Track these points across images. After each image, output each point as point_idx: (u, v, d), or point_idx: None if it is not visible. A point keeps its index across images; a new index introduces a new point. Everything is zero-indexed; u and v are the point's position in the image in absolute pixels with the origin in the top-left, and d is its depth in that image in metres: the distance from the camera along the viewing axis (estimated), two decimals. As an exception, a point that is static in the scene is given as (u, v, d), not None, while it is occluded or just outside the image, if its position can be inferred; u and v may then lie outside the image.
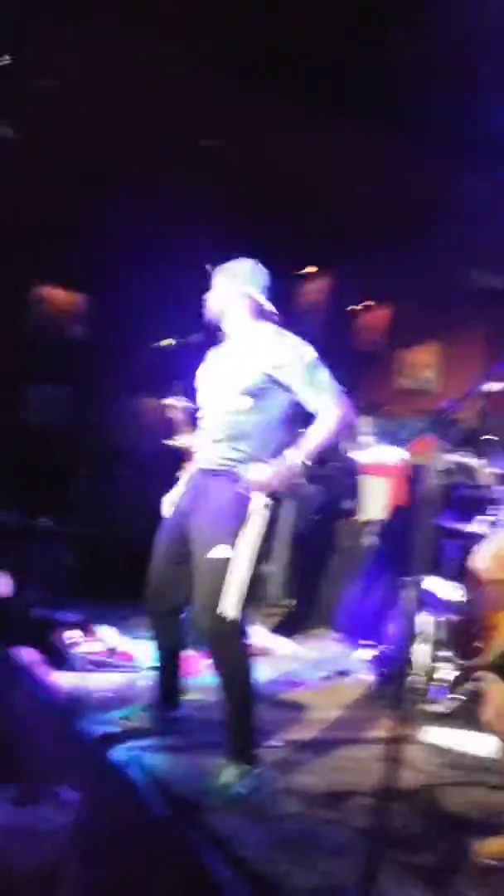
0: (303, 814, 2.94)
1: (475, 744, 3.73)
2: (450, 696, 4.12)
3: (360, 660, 4.90)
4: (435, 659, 4.24)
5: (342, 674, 4.84)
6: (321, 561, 5.90)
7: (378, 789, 2.37)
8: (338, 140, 6.09)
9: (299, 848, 2.67)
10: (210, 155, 6.23)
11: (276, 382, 3.15)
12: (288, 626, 5.62)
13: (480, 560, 2.68)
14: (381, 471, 5.60)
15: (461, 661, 4.08)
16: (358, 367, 7.98)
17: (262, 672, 4.52)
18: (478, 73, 5.19)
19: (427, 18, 4.69)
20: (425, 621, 4.32)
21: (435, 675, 4.22)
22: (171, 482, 3.49)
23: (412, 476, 5.32)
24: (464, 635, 3.81)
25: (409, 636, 4.41)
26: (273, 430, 3.22)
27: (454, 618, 4.28)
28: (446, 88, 5.32)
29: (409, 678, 4.30)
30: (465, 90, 5.37)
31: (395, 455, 5.69)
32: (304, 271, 8.93)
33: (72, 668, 4.01)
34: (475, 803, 3.20)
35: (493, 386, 4.95)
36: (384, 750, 2.27)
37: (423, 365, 7.36)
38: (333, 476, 6.41)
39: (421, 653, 4.31)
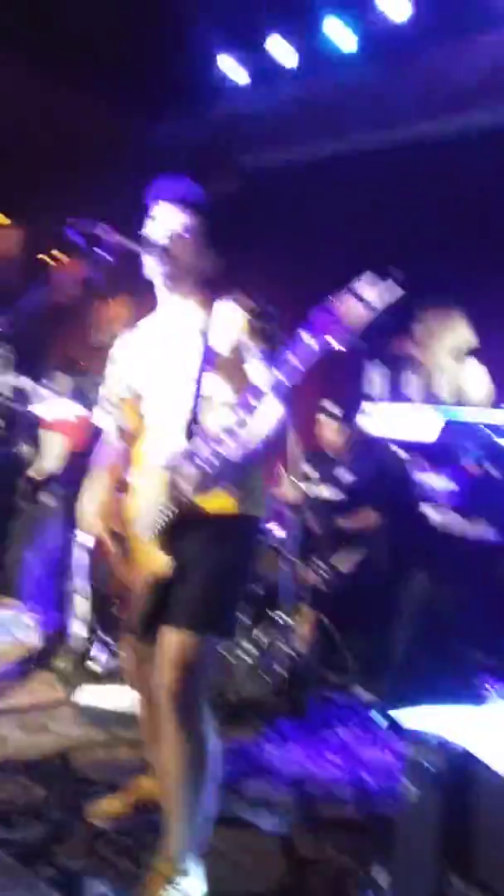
0: None
1: (119, 699, 3.64)
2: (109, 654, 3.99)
3: (27, 624, 4.65)
4: (94, 617, 4.10)
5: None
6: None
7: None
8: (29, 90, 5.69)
9: None
10: None
11: None
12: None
13: (83, 521, 2.50)
14: (60, 427, 5.34)
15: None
16: (53, 322, 7.63)
17: None
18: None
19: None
20: (84, 580, 4.16)
21: (94, 635, 4.08)
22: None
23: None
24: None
25: (70, 595, 4.28)
26: None
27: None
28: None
29: (72, 639, 4.17)
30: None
31: (72, 410, 5.45)
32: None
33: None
34: (105, 763, 3.12)
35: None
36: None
37: (115, 319, 7.15)
38: (11, 431, 6.05)
39: (81, 611, 4.16)
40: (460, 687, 2.51)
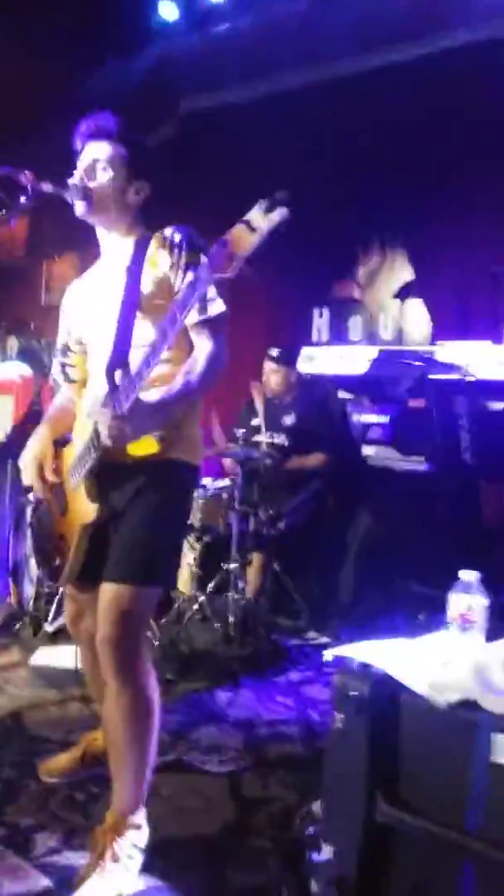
0: None
1: (72, 657, 3.63)
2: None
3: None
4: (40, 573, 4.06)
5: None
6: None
7: None
8: None
9: None
10: None
11: None
12: None
13: (24, 474, 2.45)
14: (5, 388, 5.25)
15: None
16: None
17: None
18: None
19: None
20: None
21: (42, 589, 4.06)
22: None
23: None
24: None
25: (27, 559, 4.24)
26: None
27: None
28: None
29: (30, 603, 4.14)
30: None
31: (17, 371, 5.36)
32: None
33: None
34: (57, 721, 3.10)
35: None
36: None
37: (66, 278, 7.01)
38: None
39: (34, 571, 4.13)
40: (405, 622, 2.51)
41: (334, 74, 4.99)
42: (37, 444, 2.42)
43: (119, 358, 2.15)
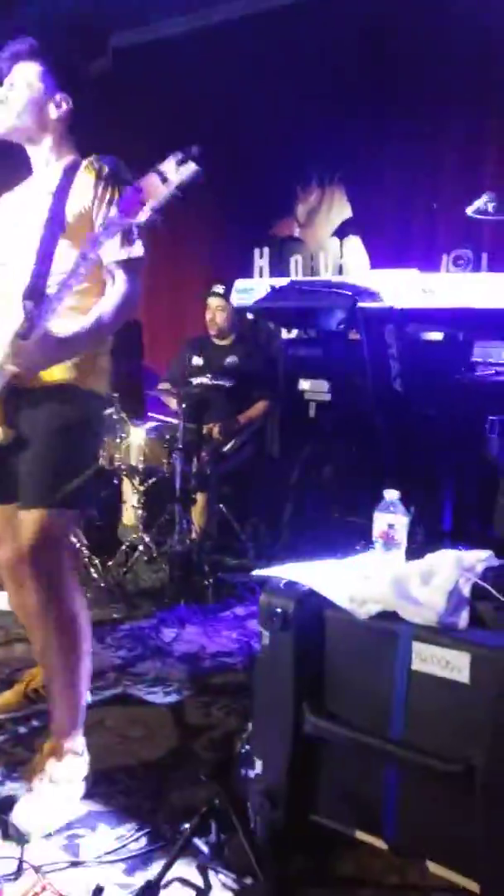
0: None
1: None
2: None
3: None
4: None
5: None
6: None
7: None
8: None
9: None
10: None
11: None
12: None
13: None
14: None
15: None
16: None
17: None
18: None
19: None
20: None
21: None
22: None
23: None
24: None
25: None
26: None
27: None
28: None
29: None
30: None
31: None
32: None
33: None
34: (2, 661, 3.11)
35: None
36: None
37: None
38: None
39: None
40: (345, 552, 2.55)
41: (268, 6, 4.88)
42: None
43: (38, 284, 2.13)
